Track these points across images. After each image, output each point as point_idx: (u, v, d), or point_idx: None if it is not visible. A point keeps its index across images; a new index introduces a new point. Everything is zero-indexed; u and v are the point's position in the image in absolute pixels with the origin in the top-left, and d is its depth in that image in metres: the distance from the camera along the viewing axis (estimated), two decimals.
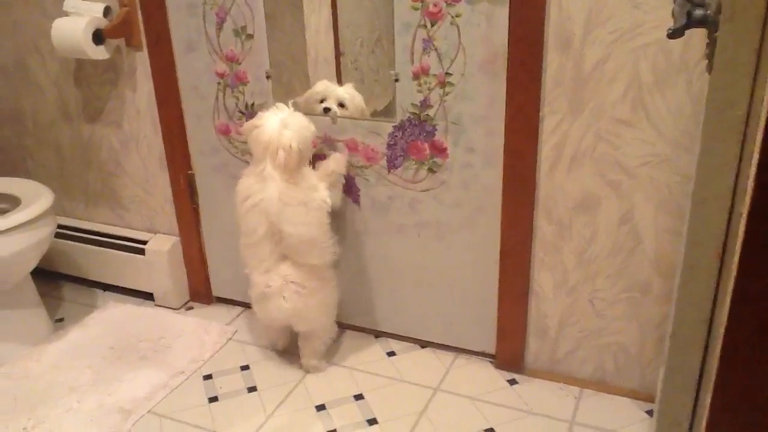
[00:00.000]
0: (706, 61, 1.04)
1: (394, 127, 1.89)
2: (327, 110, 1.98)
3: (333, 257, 1.97)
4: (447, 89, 1.78)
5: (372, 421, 1.86)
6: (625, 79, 1.59)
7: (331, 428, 1.84)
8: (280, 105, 1.87)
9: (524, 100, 1.70)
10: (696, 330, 0.98)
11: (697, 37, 1.48)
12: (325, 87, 2.02)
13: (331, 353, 2.14)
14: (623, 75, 1.59)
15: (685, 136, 1.59)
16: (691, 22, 0.98)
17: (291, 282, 1.89)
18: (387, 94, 1.97)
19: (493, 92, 1.74)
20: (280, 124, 1.80)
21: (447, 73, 1.76)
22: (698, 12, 0.98)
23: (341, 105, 1.99)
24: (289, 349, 2.16)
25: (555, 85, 1.66)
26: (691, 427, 1.04)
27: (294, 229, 1.84)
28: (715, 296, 1.04)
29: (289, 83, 2.06)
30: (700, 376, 1.00)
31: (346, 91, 2.01)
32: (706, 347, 0.98)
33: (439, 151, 1.86)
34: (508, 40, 1.67)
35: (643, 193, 1.68)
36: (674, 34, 0.98)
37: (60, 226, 2.37)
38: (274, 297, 1.91)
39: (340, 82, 2.05)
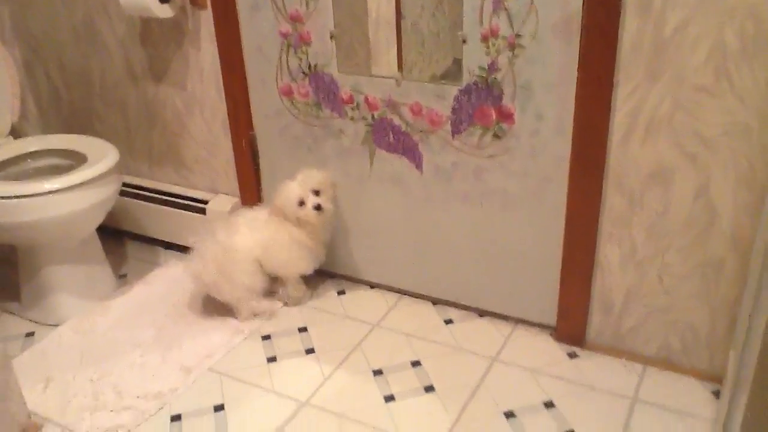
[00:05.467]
0: None
1: (460, 90, 1.84)
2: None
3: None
4: (516, 52, 1.72)
5: (429, 389, 1.85)
6: (708, 44, 1.50)
7: (389, 393, 1.84)
8: None
9: (598, 65, 1.62)
10: None
11: None
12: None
13: (389, 319, 2.13)
14: (706, 40, 1.50)
15: None
16: None
17: None
18: (446, 59, 1.90)
19: (565, 57, 1.67)
20: None
21: (517, 35, 1.70)
22: None
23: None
24: (347, 314, 2.17)
25: (632, 50, 1.58)
26: None
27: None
28: None
29: (350, 45, 2.01)
30: None
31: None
32: None
33: (506, 117, 1.81)
34: (584, 1, 1.59)
35: (722, 166, 1.60)
36: None
37: (125, 185, 2.42)
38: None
39: (399, 45, 1.98)
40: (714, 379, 1.81)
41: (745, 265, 1.65)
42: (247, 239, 2.10)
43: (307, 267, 2.18)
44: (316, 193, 2.05)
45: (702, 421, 1.70)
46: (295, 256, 2.14)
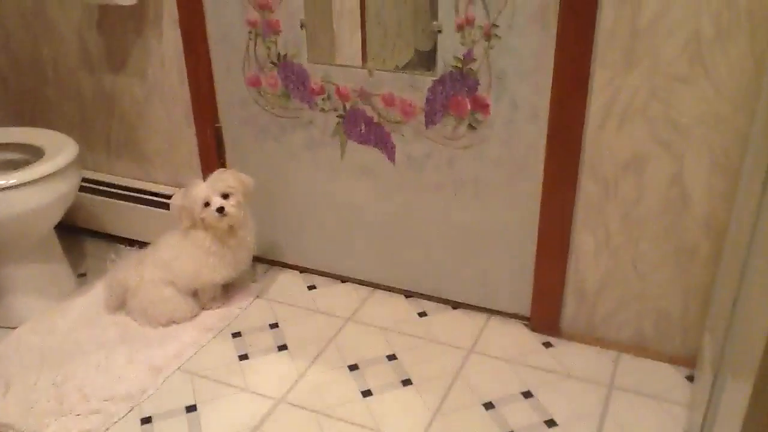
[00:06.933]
0: None
1: (435, 81, 1.82)
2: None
3: None
4: (492, 42, 1.70)
5: (407, 382, 1.83)
6: (685, 32, 1.52)
7: (365, 388, 1.82)
8: None
9: (575, 54, 1.62)
10: None
11: None
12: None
13: (362, 313, 2.10)
14: (683, 28, 1.51)
15: (745, 95, 1.52)
16: None
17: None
18: (408, 50, 1.87)
19: (541, 45, 1.66)
20: None
21: (493, 25, 1.68)
22: None
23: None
24: (319, 308, 2.13)
25: (609, 38, 1.58)
26: None
27: None
28: None
29: (314, 35, 1.97)
30: None
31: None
32: None
33: (481, 107, 1.79)
34: None
35: (696, 154, 1.62)
36: None
37: (83, 180, 2.32)
38: None
39: (364, 33, 1.93)
40: (686, 363, 1.84)
41: (719, 249, 1.67)
42: (146, 267, 2.06)
43: (216, 277, 2.07)
44: (225, 196, 1.96)
45: (677, 405, 1.73)
46: (201, 265, 2.03)
